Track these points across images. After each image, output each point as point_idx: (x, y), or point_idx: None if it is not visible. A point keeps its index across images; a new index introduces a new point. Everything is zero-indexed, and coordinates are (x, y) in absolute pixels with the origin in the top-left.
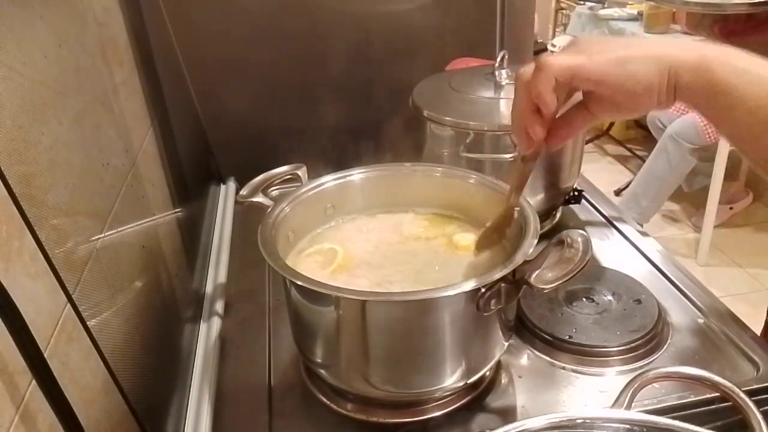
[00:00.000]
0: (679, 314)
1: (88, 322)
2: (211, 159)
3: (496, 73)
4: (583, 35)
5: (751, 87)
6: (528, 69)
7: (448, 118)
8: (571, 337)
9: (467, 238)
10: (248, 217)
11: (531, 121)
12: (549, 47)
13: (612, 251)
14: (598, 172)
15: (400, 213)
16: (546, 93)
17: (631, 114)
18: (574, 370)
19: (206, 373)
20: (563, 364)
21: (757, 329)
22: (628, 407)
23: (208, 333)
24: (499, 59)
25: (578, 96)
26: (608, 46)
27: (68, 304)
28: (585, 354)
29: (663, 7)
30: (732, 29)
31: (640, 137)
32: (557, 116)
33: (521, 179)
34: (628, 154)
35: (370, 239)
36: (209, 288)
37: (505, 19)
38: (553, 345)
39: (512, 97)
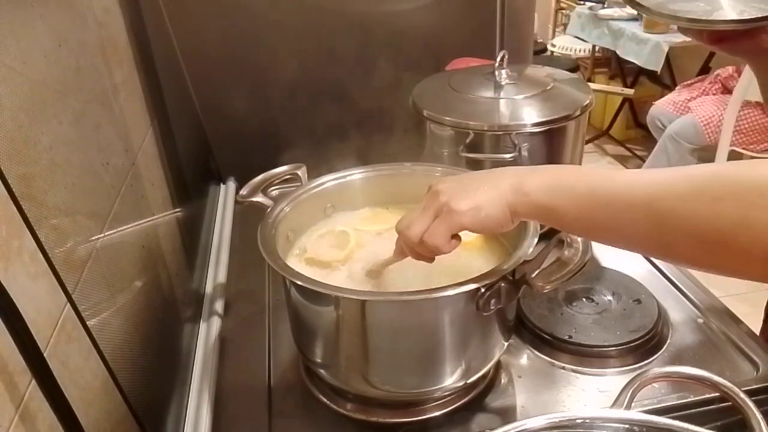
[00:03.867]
0: (679, 314)
1: (87, 322)
2: (211, 159)
3: (496, 73)
4: (583, 35)
5: (564, 202)
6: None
7: (448, 118)
8: (571, 337)
9: (468, 235)
10: (248, 217)
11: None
12: (549, 47)
13: (612, 251)
14: None
15: (400, 213)
16: (447, 247)
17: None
18: (573, 370)
19: (206, 373)
20: (563, 364)
21: (757, 329)
22: (628, 407)
23: (208, 333)
24: (499, 59)
25: None
26: (464, 192)
27: (68, 304)
28: (585, 354)
29: (653, 19)
30: (721, 35)
31: (640, 137)
32: None
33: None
34: (628, 154)
35: (371, 241)
36: (209, 288)
37: (505, 19)
38: (553, 345)
39: (513, 96)
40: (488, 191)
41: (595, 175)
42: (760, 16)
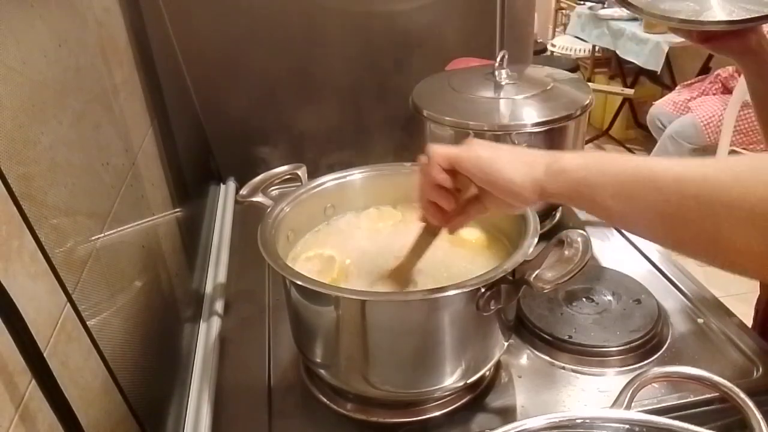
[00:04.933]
0: (679, 314)
1: (87, 322)
2: (211, 159)
3: (496, 73)
4: (583, 35)
5: (602, 179)
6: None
7: (448, 118)
8: (571, 337)
9: (472, 233)
10: (248, 217)
11: (436, 195)
12: (549, 47)
13: (612, 251)
14: None
15: (400, 212)
16: (437, 174)
17: (513, 208)
18: (573, 370)
19: (206, 373)
20: (563, 364)
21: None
22: (628, 407)
23: (208, 333)
24: (499, 59)
25: (474, 189)
26: (489, 147)
27: (68, 304)
28: (585, 354)
29: (644, 18)
30: (710, 35)
31: (640, 137)
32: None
33: (420, 250)
34: (628, 154)
35: (372, 240)
36: (209, 288)
37: (505, 19)
38: (553, 345)
39: (513, 96)
40: (512, 156)
41: (635, 157)
42: (748, 17)
